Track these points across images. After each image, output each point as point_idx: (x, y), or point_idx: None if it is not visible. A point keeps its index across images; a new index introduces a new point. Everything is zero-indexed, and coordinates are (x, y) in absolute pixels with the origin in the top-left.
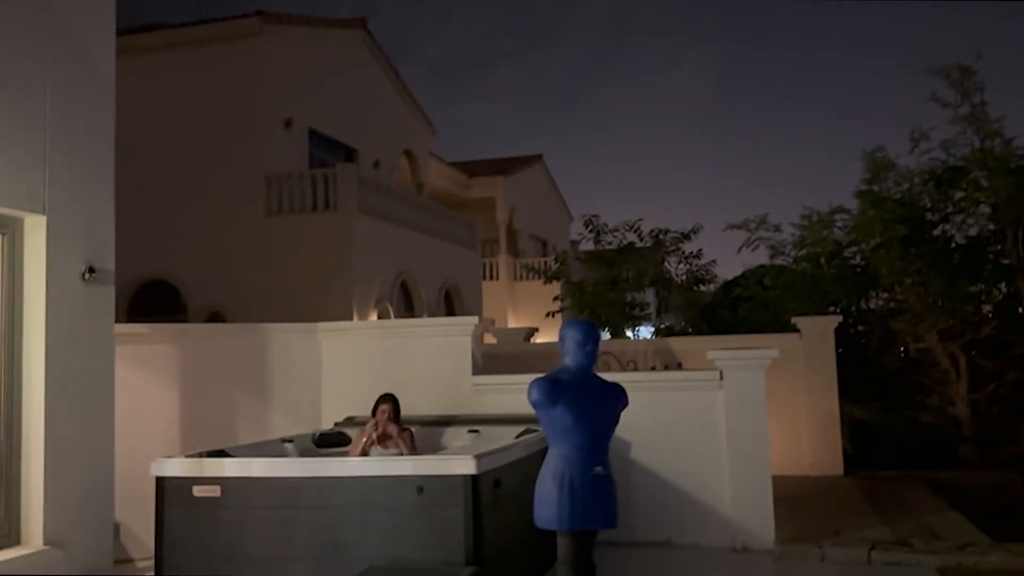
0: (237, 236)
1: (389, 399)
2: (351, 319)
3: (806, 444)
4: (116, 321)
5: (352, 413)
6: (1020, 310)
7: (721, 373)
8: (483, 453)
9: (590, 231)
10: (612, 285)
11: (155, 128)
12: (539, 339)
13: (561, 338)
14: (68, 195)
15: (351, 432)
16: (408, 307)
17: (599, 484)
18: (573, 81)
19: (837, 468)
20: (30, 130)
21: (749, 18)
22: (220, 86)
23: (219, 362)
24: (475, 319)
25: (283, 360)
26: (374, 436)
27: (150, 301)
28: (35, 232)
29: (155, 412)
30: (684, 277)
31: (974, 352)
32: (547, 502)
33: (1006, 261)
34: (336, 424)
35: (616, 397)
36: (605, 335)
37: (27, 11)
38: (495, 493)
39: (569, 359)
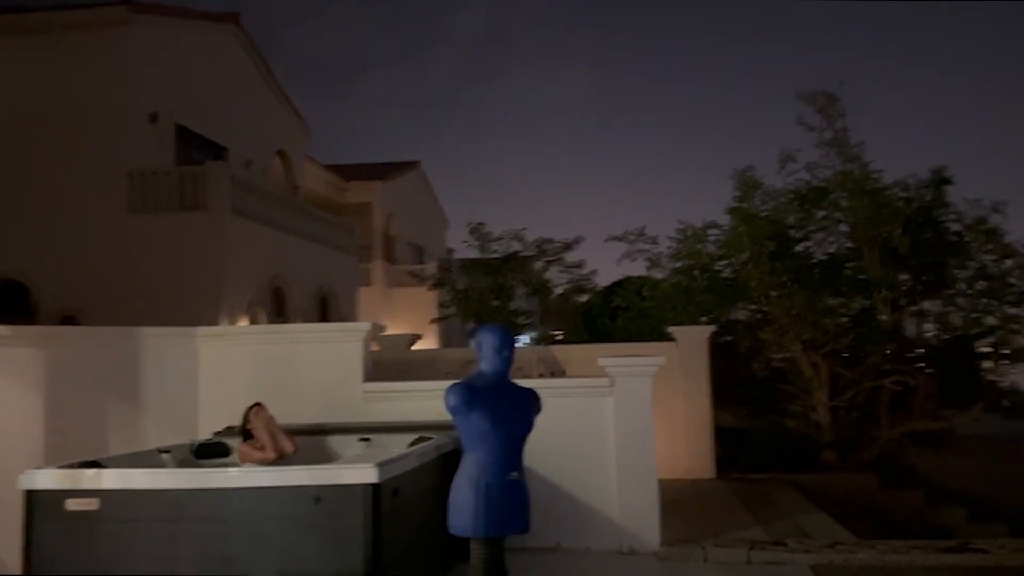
0: (97, 235)
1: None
2: (219, 324)
3: (682, 449)
4: None
5: (232, 422)
6: (875, 322)
7: (611, 380)
8: (384, 461)
9: (476, 239)
10: (497, 293)
11: (7, 117)
12: (421, 346)
13: (477, 344)
14: None
15: (232, 442)
16: (280, 313)
17: (514, 489)
18: (451, 87)
19: (710, 472)
20: None
21: (626, 39)
22: (82, 76)
23: (88, 367)
24: (367, 325)
25: (158, 366)
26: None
27: None
28: None
29: (15, 421)
30: (566, 286)
31: (834, 361)
32: (462, 509)
33: (863, 276)
34: (215, 434)
35: (531, 403)
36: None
37: None
38: (394, 502)
39: (485, 364)
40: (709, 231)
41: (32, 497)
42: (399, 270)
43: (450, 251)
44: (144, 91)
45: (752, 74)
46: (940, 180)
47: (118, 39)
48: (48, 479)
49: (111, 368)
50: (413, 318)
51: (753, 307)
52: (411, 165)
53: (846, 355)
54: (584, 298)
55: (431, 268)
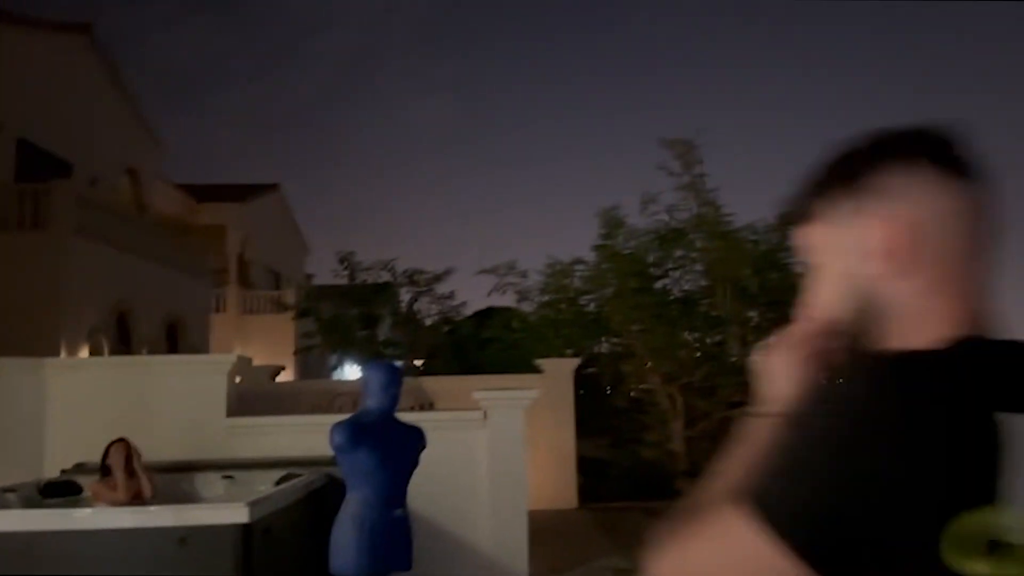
0: None
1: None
2: (59, 352)
3: (547, 479)
4: None
5: (83, 459)
6: (727, 356)
7: (485, 412)
8: (255, 500)
9: (345, 268)
10: (365, 323)
11: None
12: (282, 377)
13: (364, 380)
14: None
15: (82, 480)
16: (125, 340)
17: (398, 526)
18: (312, 111)
19: (573, 501)
20: None
21: (493, 71)
22: None
23: None
24: (232, 357)
25: (1, 398)
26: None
27: None
28: None
29: None
30: (436, 317)
31: (689, 393)
32: (345, 548)
33: (716, 313)
34: (63, 471)
35: (417, 439)
36: (358, 373)
37: None
38: (265, 542)
39: (372, 401)
40: (576, 266)
41: None
42: (255, 296)
43: (309, 277)
44: None
45: (620, 115)
46: (785, 223)
47: None
48: None
49: None
50: (269, 347)
51: (616, 340)
52: (270, 188)
53: (700, 387)
54: (454, 329)
55: (290, 295)
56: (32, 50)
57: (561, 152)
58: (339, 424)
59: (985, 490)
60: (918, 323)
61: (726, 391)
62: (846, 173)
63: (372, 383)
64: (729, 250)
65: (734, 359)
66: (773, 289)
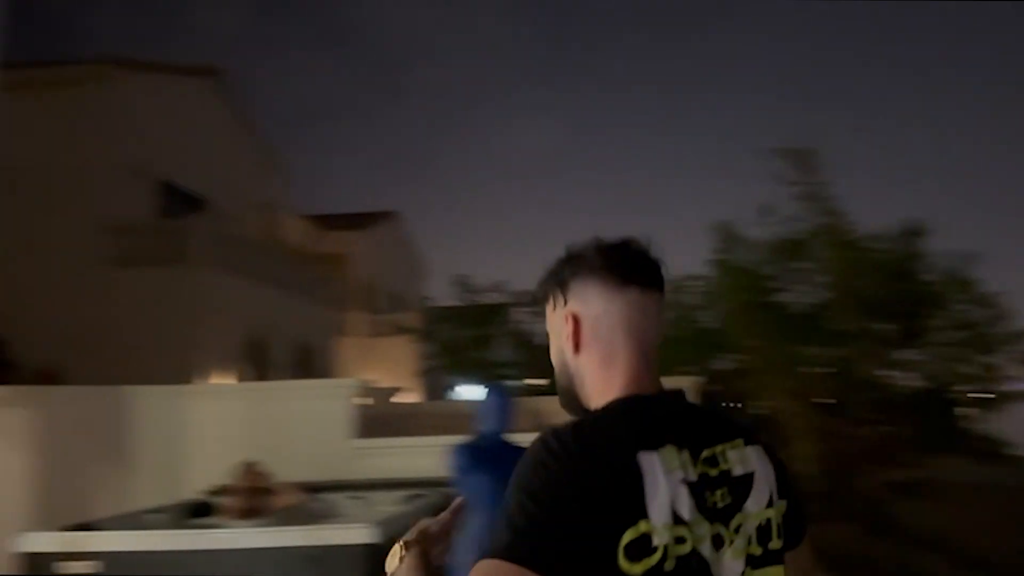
0: (78, 289)
1: (249, 467)
2: (200, 380)
3: None
4: None
5: (221, 481)
6: (854, 372)
7: None
8: (383, 520)
9: (461, 291)
10: (481, 343)
11: None
12: (402, 398)
13: (479, 404)
14: None
15: (219, 501)
16: (261, 366)
17: None
18: (427, 137)
19: None
20: None
21: (599, 92)
22: (64, 130)
23: (77, 427)
24: (354, 380)
25: (146, 424)
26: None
27: None
28: None
29: (6, 482)
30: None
31: (814, 411)
32: (462, 572)
33: (841, 327)
34: (203, 492)
35: None
36: (476, 393)
37: None
38: None
39: (487, 425)
40: (690, 282)
41: (26, 560)
42: (378, 320)
43: (428, 300)
44: (127, 145)
45: (732, 126)
46: (913, 232)
47: (101, 95)
48: (42, 542)
49: (97, 427)
50: (392, 369)
51: (736, 357)
52: (389, 215)
53: (826, 405)
54: None
55: (411, 318)
56: (166, 95)
57: (670, 166)
58: (458, 447)
59: (630, 508)
60: (598, 387)
61: (856, 409)
62: (556, 276)
63: (486, 407)
64: (854, 260)
65: (862, 374)
66: (902, 300)
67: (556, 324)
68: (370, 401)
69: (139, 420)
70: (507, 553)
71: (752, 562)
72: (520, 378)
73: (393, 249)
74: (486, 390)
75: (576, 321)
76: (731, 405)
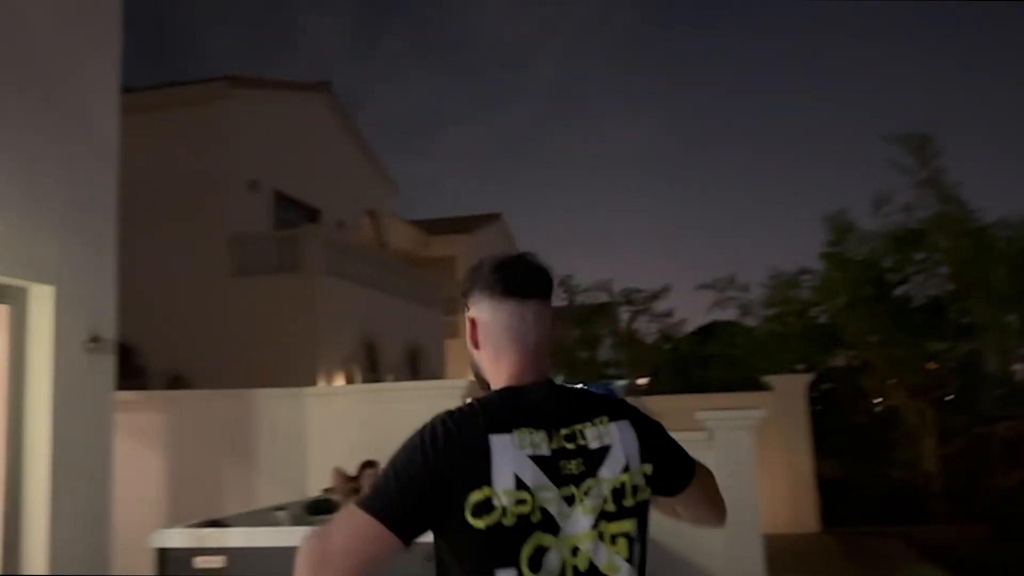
0: (201, 298)
1: (367, 464)
2: (316, 382)
3: (782, 502)
4: None
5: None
6: (983, 367)
7: (710, 433)
8: None
9: (564, 291)
10: (585, 343)
11: (119, 190)
12: None
13: None
14: (74, 265)
15: (339, 499)
16: (373, 368)
17: None
18: (528, 139)
19: (813, 525)
20: (37, 201)
21: (701, 82)
22: (187, 148)
23: (206, 428)
24: (465, 381)
25: (269, 425)
26: None
27: None
28: (40, 302)
29: (138, 480)
30: (655, 335)
31: (941, 408)
32: None
33: (966, 320)
34: (325, 490)
35: None
36: None
37: (34, 88)
38: None
39: None
40: (802, 276)
41: (163, 555)
42: None
43: None
44: (244, 160)
45: (841, 114)
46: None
47: (219, 112)
48: (177, 538)
49: (225, 429)
50: None
51: (852, 353)
52: (493, 217)
53: (952, 401)
54: (674, 347)
55: None
56: (280, 110)
57: (777, 159)
58: None
59: (476, 478)
60: (492, 377)
61: (984, 405)
62: (462, 287)
63: None
64: (979, 249)
65: (992, 369)
66: None
67: (465, 325)
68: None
69: (263, 421)
70: (363, 503)
71: (607, 516)
72: (625, 377)
73: (497, 251)
74: (595, 390)
75: (473, 324)
76: (846, 403)
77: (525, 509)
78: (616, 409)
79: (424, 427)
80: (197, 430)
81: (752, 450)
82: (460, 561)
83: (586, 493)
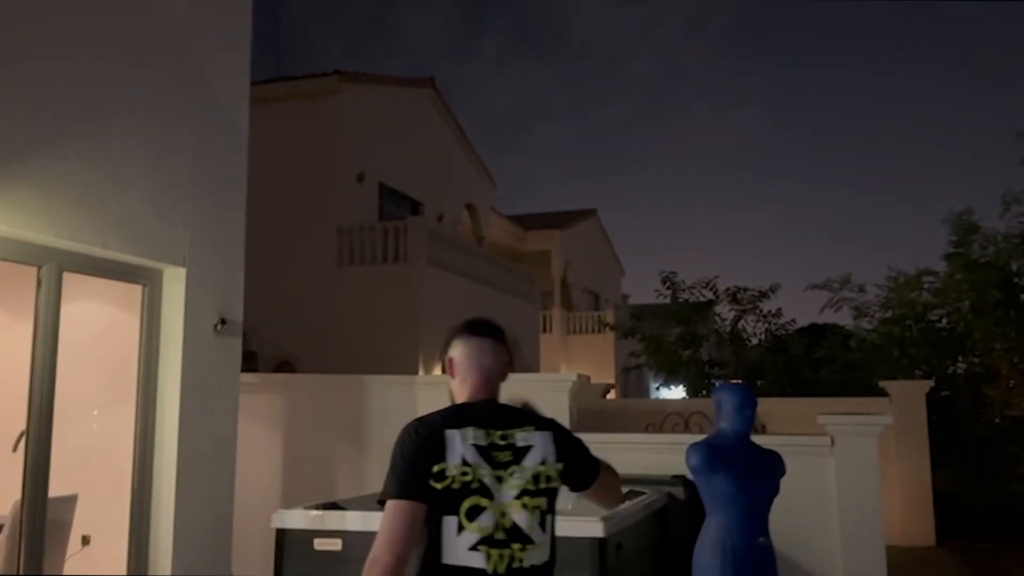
0: (309, 286)
1: None
2: (417, 370)
3: (897, 513)
4: None
5: None
6: None
7: (832, 439)
8: (607, 516)
9: (667, 287)
10: (689, 342)
11: None
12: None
13: (717, 402)
14: (206, 249)
15: None
16: None
17: (762, 555)
18: (625, 135)
19: (929, 538)
20: (172, 186)
21: (806, 77)
22: (298, 140)
23: (319, 412)
24: (573, 375)
25: (381, 411)
26: None
27: None
28: (173, 284)
29: (257, 461)
30: (762, 336)
31: None
32: (708, 571)
33: None
34: None
35: (776, 464)
36: (681, 393)
37: (171, 79)
38: (618, 557)
39: (725, 424)
40: (923, 279)
41: (282, 536)
42: (577, 316)
43: (625, 298)
44: (352, 152)
45: (967, 108)
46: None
47: (330, 106)
48: (297, 519)
49: (338, 413)
50: (590, 365)
51: (975, 360)
52: (587, 213)
53: None
54: (782, 348)
55: (610, 315)
56: (385, 104)
57: (895, 155)
58: (695, 445)
59: (436, 456)
60: (457, 396)
61: None
62: (446, 340)
63: (726, 405)
64: None
65: None
66: None
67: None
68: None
69: (374, 407)
70: (387, 495)
71: (527, 493)
72: (729, 378)
73: (591, 247)
74: (723, 388)
75: (451, 362)
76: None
77: (468, 478)
78: (542, 423)
79: (404, 429)
80: (311, 413)
81: (876, 458)
82: (427, 513)
83: (512, 475)
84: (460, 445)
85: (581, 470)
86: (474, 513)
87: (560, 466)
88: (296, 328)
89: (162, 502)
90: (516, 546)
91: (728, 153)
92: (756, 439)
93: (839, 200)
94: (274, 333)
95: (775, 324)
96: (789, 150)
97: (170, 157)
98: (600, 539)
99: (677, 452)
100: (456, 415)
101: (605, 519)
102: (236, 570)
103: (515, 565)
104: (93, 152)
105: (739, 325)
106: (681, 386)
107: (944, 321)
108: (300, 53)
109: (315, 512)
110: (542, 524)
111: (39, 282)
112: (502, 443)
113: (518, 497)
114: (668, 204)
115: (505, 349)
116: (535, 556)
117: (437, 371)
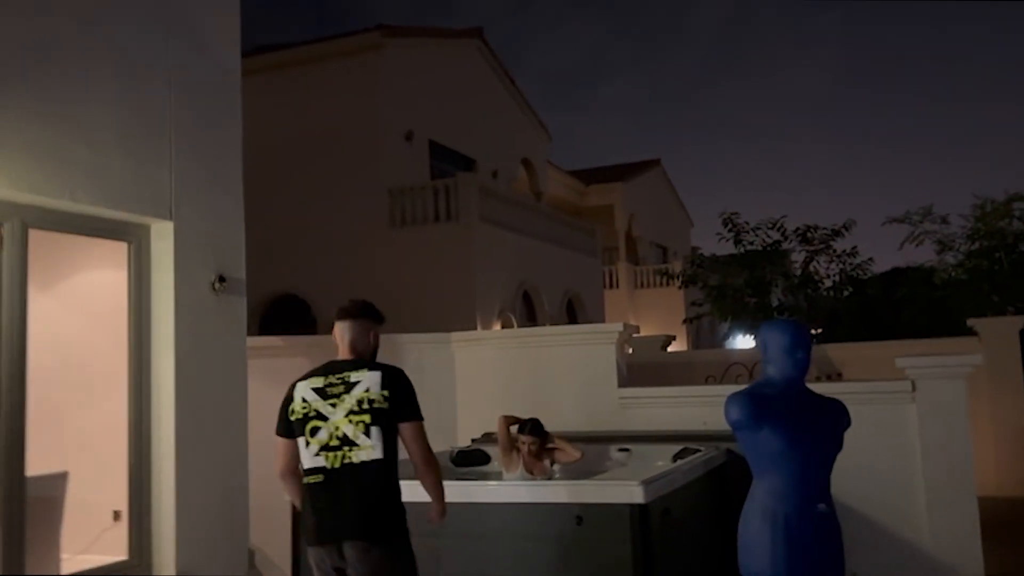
0: (362, 248)
1: (532, 431)
2: (475, 329)
3: (991, 461)
4: (248, 335)
5: (489, 428)
6: None
7: (913, 383)
8: (650, 478)
9: (729, 230)
10: (755, 288)
11: (281, 146)
12: (674, 348)
13: (762, 343)
14: (195, 201)
15: (490, 449)
16: (531, 317)
17: (823, 525)
18: (689, 85)
19: (1022, 489)
20: (155, 134)
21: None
22: (343, 100)
23: None
24: (619, 326)
25: (416, 372)
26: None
27: (281, 316)
28: (161, 240)
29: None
30: (837, 278)
31: None
32: (755, 545)
33: None
34: (473, 440)
35: (838, 416)
36: (750, 342)
37: (152, 17)
38: (664, 524)
39: (773, 369)
40: (1014, 204)
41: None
42: (643, 270)
43: (695, 249)
44: (399, 110)
45: None
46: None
47: (373, 63)
48: None
49: None
50: (659, 319)
51: None
52: (651, 164)
53: None
54: (859, 290)
55: (677, 267)
56: (433, 59)
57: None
58: (735, 396)
59: (287, 402)
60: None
61: None
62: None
63: (772, 346)
64: None
65: None
66: None
67: None
68: (632, 349)
69: (409, 367)
70: (276, 432)
71: (353, 412)
72: (809, 324)
73: (657, 199)
74: (768, 327)
75: (334, 335)
76: None
77: (307, 409)
78: (374, 367)
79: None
80: None
81: (965, 403)
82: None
83: (343, 401)
84: (301, 390)
85: (399, 403)
86: (314, 431)
87: (386, 392)
88: (351, 292)
89: (162, 479)
90: (346, 448)
91: (799, 94)
92: (829, 388)
93: (919, 124)
94: (330, 297)
95: (850, 264)
96: (861, 84)
97: (149, 100)
98: (640, 505)
99: None
100: (311, 371)
101: (646, 482)
102: (264, 544)
103: (346, 461)
104: (52, 91)
105: (810, 267)
106: (751, 335)
107: None
108: (346, 16)
109: None
110: (367, 432)
111: (0, 240)
112: (337, 382)
113: (346, 416)
114: (739, 151)
115: (363, 321)
116: (363, 455)
117: (497, 326)
